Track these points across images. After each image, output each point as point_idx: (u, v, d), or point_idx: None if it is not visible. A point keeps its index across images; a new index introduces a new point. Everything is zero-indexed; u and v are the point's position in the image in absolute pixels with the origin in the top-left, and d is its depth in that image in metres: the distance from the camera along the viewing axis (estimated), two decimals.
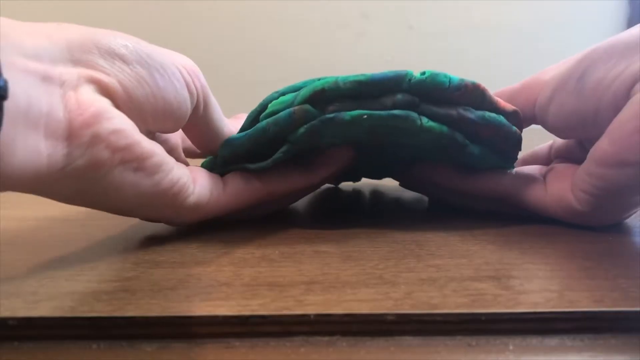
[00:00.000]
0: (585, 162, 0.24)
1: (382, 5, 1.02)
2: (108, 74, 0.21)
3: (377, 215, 0.31)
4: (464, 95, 0.25)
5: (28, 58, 0.19)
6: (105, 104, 0.21)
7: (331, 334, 0.17)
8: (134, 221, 0.29)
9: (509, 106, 0.26)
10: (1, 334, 0.17)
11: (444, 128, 0.25)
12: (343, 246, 0.24)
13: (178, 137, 0.29)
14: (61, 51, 0.20)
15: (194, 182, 0.25)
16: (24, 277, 0.20)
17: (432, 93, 0.24)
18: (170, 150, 0.27)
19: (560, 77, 0.25)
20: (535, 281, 0.20)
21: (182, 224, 0.26)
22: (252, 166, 0.26)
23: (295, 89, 0.26)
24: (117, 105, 0.21)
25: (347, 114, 0.24)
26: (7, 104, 0.17)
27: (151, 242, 0.25)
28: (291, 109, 0.24)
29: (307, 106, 0.24)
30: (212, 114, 0.26)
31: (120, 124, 0.21)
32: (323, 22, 1.03)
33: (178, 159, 0.25)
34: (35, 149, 0.18)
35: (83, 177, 0.21)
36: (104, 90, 0.21)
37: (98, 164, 0.20)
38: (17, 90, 0.17)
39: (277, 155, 0.25)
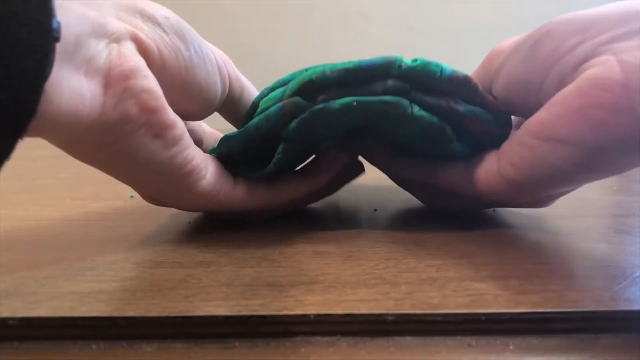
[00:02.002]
0: (519, 131, 0.23)
1: (382, 5, 1.02)
2: (148, 36, 0.22)
3: (377, 215, 0.31)
4: (454, 87, 0.24)
5: (85, 5, 0.19)
6: (143, 62, 0.21)
7: (331, 334, 0.17)
8: (135, 221, 0.29)
9: (499, 105, 0.26)
10: (1, 334, 0.17)
11: (434, 119, 0.24)
12: (343, 246, 0.24)
13: (202, 131, 0.30)
14: (109, 5, 0.21)
15: (207, 169, 0.25)
16: (24, 277, 0.21)
17: (423, 81, 0.24)
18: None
19: (515, 44, 0.24)
20: (535, 281, 0.20)
21: (186, 209, 0.26)
22: (254, 174, 0.26)
23: (284, 83, 0.26)
24: (152, 68, 0.22)
25: (336, 103, 0.24)
26: (58, 45, 0.17)
27: (151, 242, 0.25)
28: (281, 103, 0.24)
29: (296, 98, 0.24)
30: (248, 99, 0.28)
31: (153, 85, 0.21)
32: (323, 22, 1.03)
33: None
34: (80, 92, 0.19)
35: (111, 131, 0.21)
36: (143, 51, 0.22)
37: (127, 119, 0.21)
38: (68, 33, 0.18)
39: (277, 156, 0.25)
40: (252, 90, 0.28)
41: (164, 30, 0.22)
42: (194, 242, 0.25)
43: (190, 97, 0.24)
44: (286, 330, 0.17)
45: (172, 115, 0.22)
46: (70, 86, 0.18)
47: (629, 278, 0.20)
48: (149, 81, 0.21)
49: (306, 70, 0.25)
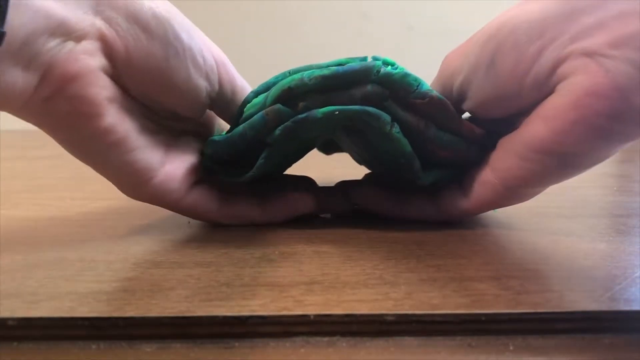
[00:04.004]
0: (514, 144, 0.23)
1: (382, 5, 1.02)
2: (120, 35, 0.22)
3: (377, 215, 0.31)
4: (428, 107, 0.24)
5: (55, 0, 0.20)
6: (94, 67, 0.21)
7: (331, 334, 0.17)
8: (134, 221, 0.29)
9: (475, 129, 0.26)
10: (1, 334, 0.17)
11: (408, 148, 0.24)
12: (343, 246, 0.24)
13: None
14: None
15: (159, 172, 0.24)
16: (24, 277, 0.20)
17: (399, 91, 0.24)
18: (184, 131, 0.28)
19: (469, 65, 0.24)
20: (535, 281, 0.20)
21: (138, 200, 0.26)
22: (240, 178, 0.26)
23: (268, 87, 0.26)
24: (117, 67, 0.22)
25: (319, 112, 0.24)
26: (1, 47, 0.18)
27: (151, 242, 0.25)
28: (263, 111, 0.24)
29: (278, 106, 0.24)
30: (241, 100, 0.27)
31: (91, 93, 0.21)
32: (323, 22, 1.03)
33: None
34: (12, 82, 0.19)
35: (40, 119, 0.22)
36: (108, 51, 0.22)
37: (53, 115, 0.21)
38: (18, 34, 0.18)
39: (260, 161, 0.25)
40: (246, 92, 0.28)
41: (145, 30, 0.22)
42: (194, 242, 0.25)
43: (169, 96, 0.24)
44: (286, 331, 0.17)
45: (108, 122, 0.22)
46: (5, 77, 0.19)
47: (629, 278, 0.20)
48: (88, 89, 0.21)
49: (289, 73, 0.25)
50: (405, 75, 0.24)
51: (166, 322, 0.17)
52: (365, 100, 0.24)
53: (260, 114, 0.24)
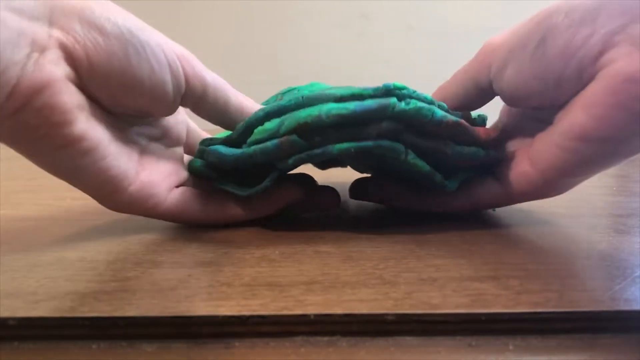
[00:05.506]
0: (553, 135, 0.23)
1: (382, 5, 1.02)
2: (78, 41, 0.22)
3: (377, 215, 0.31)
4: (444, 130, 0.25)
5: (10, 11, 0.19)
6: (61, 75, 0.21)
7: (331, 334, 0.17)
8: (135, 222, 0.29)
9: (491, 133, 0.26)
10: (1, 334, 0.17)
11: (426, 168, 0.25)
12: (343, 246, 0.24)
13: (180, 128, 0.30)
14: (44, 9, 0.21)
15: (135, 179, 0.25)
16: (24, 277, 0.21)
17: (415, 123, 0.24)
18: (165, 136, 0.28)
19: (516, 41, 0.24)
20: (535, 281, 0.20)
21: (115, 210, 0.26)
22: (243, 193, 0.27)
23: (279, 110, 0.26)
24: (80, 74, 0.22)
25: (335, 148, 0.24)
26: None
27: (151, 242, 0.25)
28: (278, 141, 0.25)
29: (293, 137, 0.24)
30: (215, 95, 0.27)
31: (61, 101, 0.21)
32: (323, 22, 1.03)
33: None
34: None
35: (9, 130, 0.21)
36: (70, 59, 0.22)
37: (24, 126, 0.21)
38: None
39: (265, 183, 0.26)
40: (220, 87, 0.27)
41: (101, 33, 0.22)
42: (194, 242, 0.25)
43: (135, 95, 0.24)
44: (286, 330, 0.17)
45: (79, 129, 0.22)
46: None
47: (629, 278, 0.20)
48: (57, 97, 0.21)
49: (302, 98, 0.25)
50: (419, 109, 0.24)
51: (166, 322, 0.17)
52: (381, 136, 0.24)
53: (274, 142, 0.25)
